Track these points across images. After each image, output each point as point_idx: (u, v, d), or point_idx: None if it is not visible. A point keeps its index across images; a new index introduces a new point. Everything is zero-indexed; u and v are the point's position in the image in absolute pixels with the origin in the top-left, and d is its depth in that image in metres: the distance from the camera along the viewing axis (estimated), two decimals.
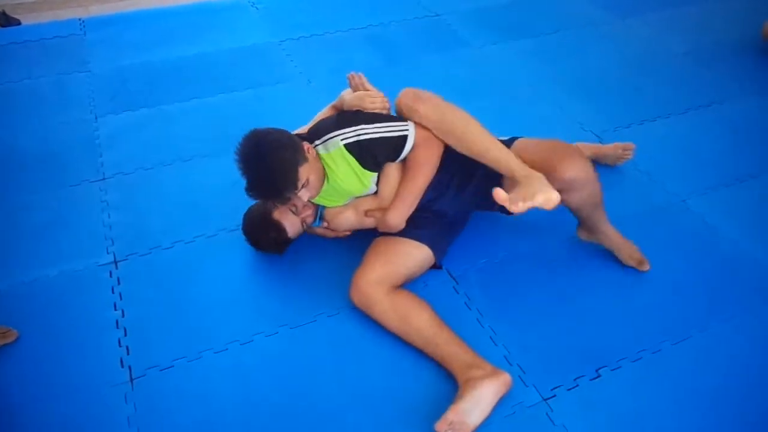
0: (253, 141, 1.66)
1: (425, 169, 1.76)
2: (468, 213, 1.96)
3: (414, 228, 1.82)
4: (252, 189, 1.68)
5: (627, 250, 1.90)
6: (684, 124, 2.59)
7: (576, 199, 1.71)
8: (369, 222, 1.87)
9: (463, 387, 1.53)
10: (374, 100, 1.84)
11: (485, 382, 1.52)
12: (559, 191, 1.55)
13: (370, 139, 1.74)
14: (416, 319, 1.67)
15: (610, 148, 2.26)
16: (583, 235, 1.96)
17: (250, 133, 1.68)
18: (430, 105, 1.74)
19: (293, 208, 1.86)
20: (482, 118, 1.89)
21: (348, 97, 1.89)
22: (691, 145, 2.48)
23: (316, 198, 1.83)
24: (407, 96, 1.77)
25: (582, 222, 1.89)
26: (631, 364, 1.67)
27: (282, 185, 1.64)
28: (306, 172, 1.67)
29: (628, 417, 1.55)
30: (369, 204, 1.87)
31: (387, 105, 1.87)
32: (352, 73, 1.94)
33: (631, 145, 2.23)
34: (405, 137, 1.75)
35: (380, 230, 1.85)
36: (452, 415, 1.46)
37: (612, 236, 1.89)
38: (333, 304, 1.84)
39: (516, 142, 1.79)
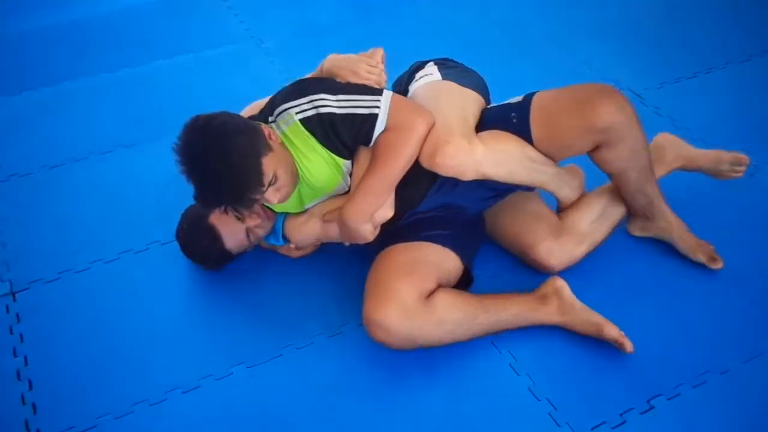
0: (197, 130, 1.43)
1: (394, 157, 1.52)
2: (490, 205, 1.78)
3: (429, 229, 1.64)
4: (202, 194, 1.45)
5: (693, 240, 1.76)
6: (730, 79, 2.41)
7: (616, 156, 1.57)
8: (333, 231, 1.66)
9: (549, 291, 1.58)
10: (372, 69, 1.68)
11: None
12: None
13: (332, 113, 1.52)
14: (460, 314, 1.54)
15: (711, 158, 1.83)
16: (636, 229, 1.78)
17: (190, 121, 1.44)
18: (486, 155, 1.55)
19: (237, 213, 1.63)
20: (491, 74, 1.81)
21: (334, 60, 1.71)
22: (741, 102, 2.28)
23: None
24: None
25: (633, 205, 1.72)
26: (692, 390, 1.49)
27: (243, 184, 1.42)
28: (272, 165, 1.46)
29: None
30: (333, 206, 1.65)
31: (383, 82, 1.70)
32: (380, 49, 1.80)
33: (745, 158, 1.79)
34: (375, 116, 1.53)
35: (343, 240, 1.66)
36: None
37: (672, 220, 1.74)
38: (305, 332, 1.66)
39: (534, 101, 1.62)
